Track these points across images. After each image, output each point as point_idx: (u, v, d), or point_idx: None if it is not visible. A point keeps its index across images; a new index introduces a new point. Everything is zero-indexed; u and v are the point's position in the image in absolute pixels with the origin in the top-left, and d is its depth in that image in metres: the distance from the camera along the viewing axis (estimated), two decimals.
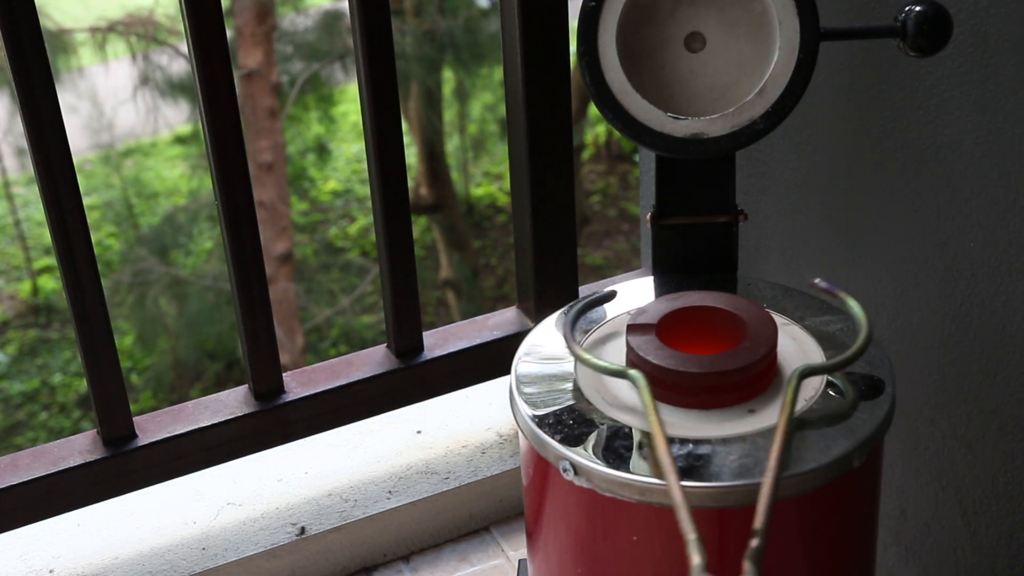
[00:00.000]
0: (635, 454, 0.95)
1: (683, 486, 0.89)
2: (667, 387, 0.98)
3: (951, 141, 1.21)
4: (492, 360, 1.53)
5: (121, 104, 6.24)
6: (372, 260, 6.40)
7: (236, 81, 1.31)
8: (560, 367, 1.06)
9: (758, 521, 0.86)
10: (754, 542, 0.85)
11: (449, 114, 6.59)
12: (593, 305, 1.11)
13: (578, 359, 1.01)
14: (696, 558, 0.84)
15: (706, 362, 0.98)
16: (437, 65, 5.92)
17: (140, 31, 5.97)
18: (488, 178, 7.25)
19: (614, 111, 1.08)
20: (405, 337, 1.49)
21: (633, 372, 0.97)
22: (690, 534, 0.85)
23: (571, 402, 1.01)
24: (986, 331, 1.23)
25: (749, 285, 1.16)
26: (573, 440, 0.97)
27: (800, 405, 0.98)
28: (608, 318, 1.12)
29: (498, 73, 5.69)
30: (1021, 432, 1.23)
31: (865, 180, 1.34)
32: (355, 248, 6.71)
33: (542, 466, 1.01)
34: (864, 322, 1.01)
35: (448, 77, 6.22)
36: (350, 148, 7.27)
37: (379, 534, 1.53)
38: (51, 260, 6.49)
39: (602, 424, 0.98)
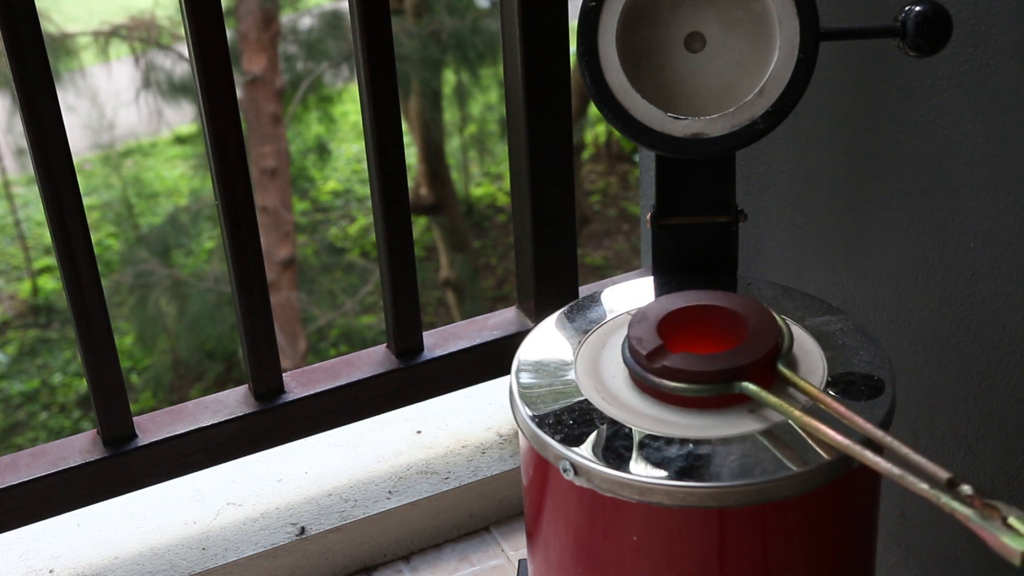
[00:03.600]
0: (635, 454, 0.95)
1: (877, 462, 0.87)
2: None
3: (951, 141, 1.21)
4: (492, 360, 1.53)
5: (123, 107, 6.25)
6: (373, 261, 6.40)
7: (240, 87, 1.31)
8: (560, 367, 1.06)
9: None
10: None
11: (449, 114, 6.59)
12: None
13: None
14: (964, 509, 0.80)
15: (707, 361, 0.98)
16: (438, 66, 5.92)
17: (142, 35, 5.97)
18: (488, 178, 7.25)
19: (614, 111, 1.08)
20: (405, 337, 1.49)
21: (742, 384, 0.96)
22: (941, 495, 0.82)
23: (571, 402, 1.01)
24: (986, 331, 1.23)
25: (749, 285, 1.16)
26: (573, 440, 0.97)
27: (800, 406, 0.98)
28: (608, 318, 1.12)
29: (500, 72, 5.69)
30: (1021, 432, 1.23)
31: (865, 180, 1.34)
32: (355, 248, 6.71)
33: (542, 466, 1.01)
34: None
35: (449, 78, 6.22)
36: (350, 148, 7.27)
37: (379, 534, 1.53)
38: (51, 260, 6.50)
39: (602, 424, 0.98)
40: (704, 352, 1.01)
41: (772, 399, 0.94)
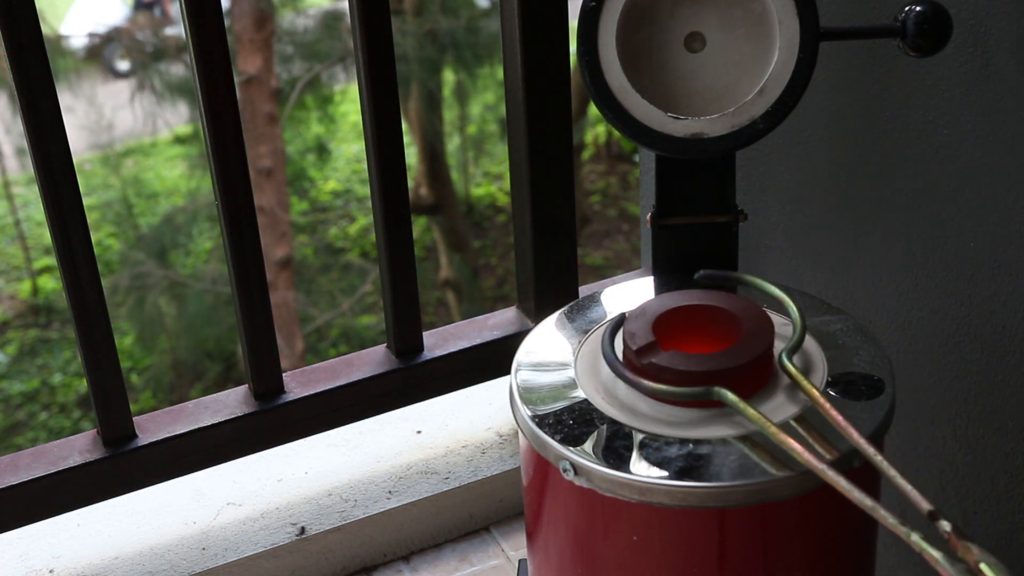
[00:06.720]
0: (635, 454, 0.95)
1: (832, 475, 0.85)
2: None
3: (951, 141, 1.21)
4: (492, 360, 1.53)
5: (119, 108, 6.26)
6: (372, 261, 6.40)
7: (235, 86, 1.31)
8: (560, 367, 1.06)
9: None
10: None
11: (449, 114, 6.59)
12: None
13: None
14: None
15: (704, 361, 0.98)
16: (438, 66, 5.93)
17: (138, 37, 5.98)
18: (488, 178, 7.26)
19: (614, 111, 1.08)
20: (405, 337, 1.49)
21: (717, 390, 0.96)
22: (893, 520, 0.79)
23: (571, 402, 1.01)
24: (986, 331, 1.23)
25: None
26: (573, 440, 0.97)
27: (800, 405, 0.98)
28: (607, 319, 1.12)
29: (499, 73, 5.70)
30: (1021, 432, 1.23)
31: (865, 180, 1.34)
32: (355, 248, 6.71)
33: (542, 466, 1.01)
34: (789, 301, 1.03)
35: (448, 78, 6.22)
36: (350, 148, 7.27)
37: (379, 534, 1.53)
38: (51, 260, 6.50)
39: (602, 424, 0.98)
40: (696, 352, 1.01)
41: (749, 411, 0.93)
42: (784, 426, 0.95)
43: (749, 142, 1.07)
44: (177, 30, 6.51)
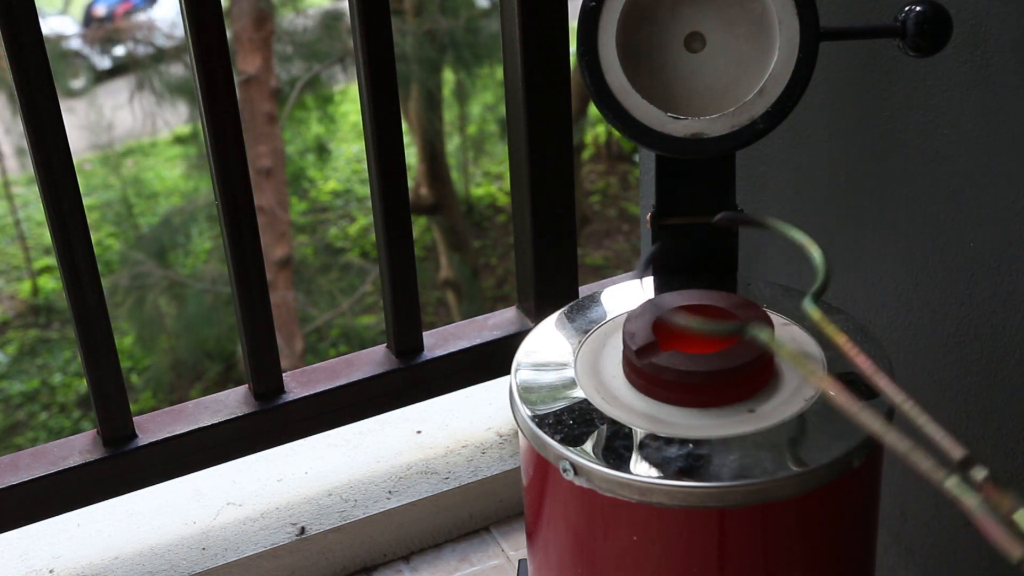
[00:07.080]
0: (635, 454, 0.95)
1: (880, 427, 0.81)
2: (665, 387, 0.98)
3: (951, 141, 1.21)
4: (492, 360, 1.53)
5: (119, 108, 6.26)
6: (372, 261, 6.40)
7: (235, 86, 1.31)
8: (560, 367, 1.06)
9: None
10: None
11: (449, 114, 6.60)
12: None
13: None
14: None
15: (704, 361, 0.98)
16: (437, 66, 5.93)
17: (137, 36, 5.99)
18: (488, 178, 7.26)
19: (614, 111, 1.08)
20: (405, 337, 1.49)
21: (749, 328, 0.92)
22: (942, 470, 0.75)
23: (571, 402, 1.01)
24: (986, 331, 1.23)
25: (749, 285, 1.16)
26: (573, 440, 0.97)
27: (800, 405, 0.98)
28: (608, 318, 1.12)
29: (498, 73, 5.71)
30: (1021, 432, 1.23)
31: (865, 180, 1.34)
32: (355, 248, 6.72)
33: (542, 466, 1.01)
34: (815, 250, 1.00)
35: (448, 78, 6.23)
36: (350, 148, 7.28)
37: (379, 534, 1.53)
38: (51, 260, 6.50)
39: (602, 424, 0.98)
40: (696, 352, 1.01)
41: (784, 349, 0.85)
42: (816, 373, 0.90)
43: (749, 142, 1.07)
44: (121, 50, 6.51)
